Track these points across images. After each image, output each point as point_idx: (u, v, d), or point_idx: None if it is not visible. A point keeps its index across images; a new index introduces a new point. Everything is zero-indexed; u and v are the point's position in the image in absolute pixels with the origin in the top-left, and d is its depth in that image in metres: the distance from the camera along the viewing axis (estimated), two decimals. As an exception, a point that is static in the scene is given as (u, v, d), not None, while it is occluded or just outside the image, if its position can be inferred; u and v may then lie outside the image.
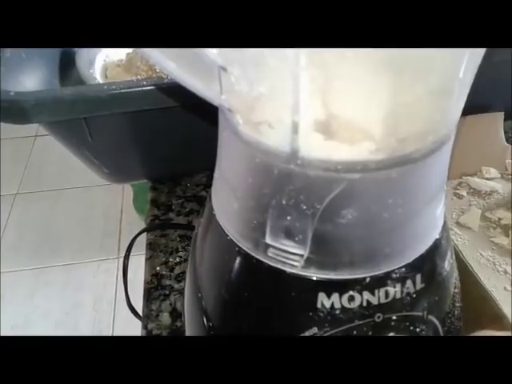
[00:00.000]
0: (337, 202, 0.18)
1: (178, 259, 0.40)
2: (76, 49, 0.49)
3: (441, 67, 0.16)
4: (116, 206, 1.45)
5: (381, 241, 0.19)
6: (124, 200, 1.45)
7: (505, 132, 0.46)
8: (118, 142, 0.41)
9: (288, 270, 0.20)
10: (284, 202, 0.19)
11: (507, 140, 0.46)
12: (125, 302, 0.43)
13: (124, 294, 0.45)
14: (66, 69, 0.48)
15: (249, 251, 0.21)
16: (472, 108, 0.44)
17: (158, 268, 0.39)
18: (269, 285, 0.21)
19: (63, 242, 1.36)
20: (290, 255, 0.20)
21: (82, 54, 0.49)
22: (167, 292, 0.37)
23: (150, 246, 0.41)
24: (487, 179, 0.44)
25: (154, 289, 0.38)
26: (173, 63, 0.17)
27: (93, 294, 1.24)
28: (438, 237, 0.21)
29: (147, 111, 0.36)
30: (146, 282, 0.38)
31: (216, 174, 0.23)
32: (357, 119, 0.16)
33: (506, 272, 0.37)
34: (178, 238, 0.42)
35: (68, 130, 0.37)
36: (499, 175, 0.45)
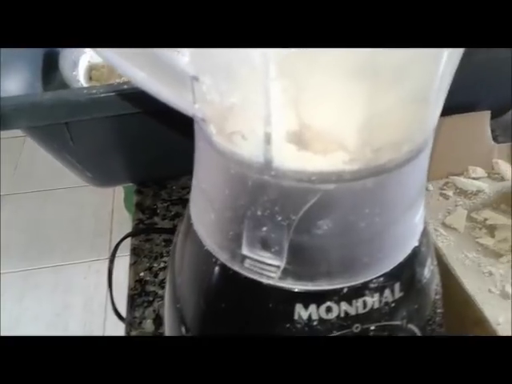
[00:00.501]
0: (312, 212, 0.18)
1: (162, 264, 0.39)
2: (60, 50, 0.48)
3: (414, 76, 0.15)
4: (107, 206, 1.44)
5: (358, 251, 0.19)
6: (115, 200, 1.44)
7: (492, 131, 0.46)
8: (100, 146, 0.40)
9: (265, 281, 0.20)
10: (259, 213, 0.18)
11: (494, 139, 0.46)
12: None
13: (110, 298, 0.44)
14: (50, 71, 0.48)
15: (226, 262, 0.20)
16: (458, 107, 0.45)
17: (141, 274, 0.39)
18: (246, 296, 0.21)
19: (53, 243, 1.35)
20: (266, 266, 0.19)
21: (66, 56, 0.48)
22: (151, 298, 0.37)
23: (134, 251, 0.41)
24: (474, 179, 0.44)
25: (138, 295, 0.37)
26: (142, 73, 0.17)
27: (83, 296, 1.23)
28: (417, 244, 0.21)
29: (129, 115, 0.35)
30: (130, 289, 0.38)
31: (193, 183, 0.22)
32: (330, 130, 0.16)
33: (490, 274, 0.37)
34: (163, 243, 0.41)
35: (49, 134, 0.37)
36: (486, 174, 0.45)
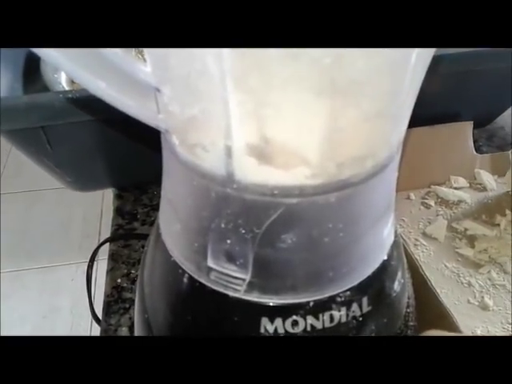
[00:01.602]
0: (276, 226, 0.17)
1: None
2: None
3: (374, 92, 0.15)
4: (95, 208, 1.43)
5: (323, 265, 0.19)
6: (104, 202, 1.43)
7: (474, 141, 0.46)
8: (79, 151, 0.39)
9: (231, 294, 0.19)
10: (223, 226, 0.18)
11: (477, 149, 0.46)
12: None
13: (88, 303, 0.44)
14: (31, 73, 0.47)
15: (192, 274, 0.20)
16: (441, 117, 0.45)
17: (119, 280, 0.38)
18: (212, 309, 0.20)
19: (41, 244, 1.34)
20: (232, 279, 0.19)
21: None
22: (127, 305, 0.36)
23: (112, 257, 0.40)
24: (456, 188, 0.44)
25: (114, 302, 0.37)
26: (103, 82, 0.17)
27: (70, 298, 1.22)
28: (386, 258, 0.21)
29: (107, 119, 0.35)
30: (106, 295, 0.37)
31: (162, 193, 0.22)
32: (290, 145, 0.15)
33: (469, 284, 0.37)
34: (142, 249, 0.41)
35: (25, 138, 0.36)
36: (468, 184, 0.45)
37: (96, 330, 1.15)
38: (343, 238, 0.18)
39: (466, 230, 0.41)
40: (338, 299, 0.19)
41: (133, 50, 0.38)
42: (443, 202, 0.43)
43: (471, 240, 0.40)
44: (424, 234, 0.40)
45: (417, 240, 0.40)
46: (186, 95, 0.16)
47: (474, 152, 0.45)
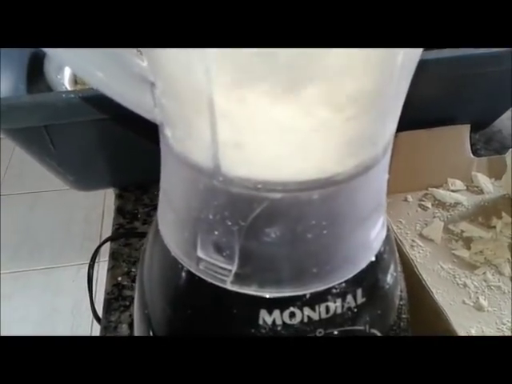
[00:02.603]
0: (260, 220, 0.18)
1: (140, 269, 0.39)
2: (45, 53, 0.49)
3: (352, 92, 0.15)
4: (97, 209, 1.43)
5: (307, 260, 0.19)
6: (105, 203, 1.44)
7: (472, 144, 0.46)
8: (81, 150, 0.40)
9: (229, 287, 0.20)
10: (211, 217, 0.19)
11: (474, 152, 0.46)
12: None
13: (89, 302, 0.44)
14: (35, 74, 0.48)
15: (184, 264, 0.21)
16: (439, 120, 0.45)
17: (119, 278, 0.39)
18: (208, 301, 0.21)
19: (43, 245, 1.34)
20: (219, 269, 0.20)
21: (51, 59, 0.48)
22: (127, 303, 0.37)
23: (113, 256, 0.41)
24: (453, 191, 0.45)
25: (115, 299, 0.37)
26: (101, 73, 0.17)
27: (72, 299, 1.23)
28: (379, 251, 0.21)
29: (109, 119, 0.36)
30: (107, 293, 0.38)
31: (160, 184, 0.23)
32: (270, 143, 0.16)
33: (465, 285, 0.37)
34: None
35: (28, 137, 0.37)
36: (465, 187, 0.45)
37: (96, 331, 1.15)
38: (327, 235, 0.18)
39: (462, 231, 0.41)
40: (334, 291, 0.20)
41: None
42: (440, 204, 0.44)
43: (467, 242, 0.40)
44: (421, 236, 0.41)
45: (413, 241, 0.40)
46: (174, 89, 0.16)
47: (472, 155, 0.46)
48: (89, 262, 0.42)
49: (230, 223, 0.18)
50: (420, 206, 0.44)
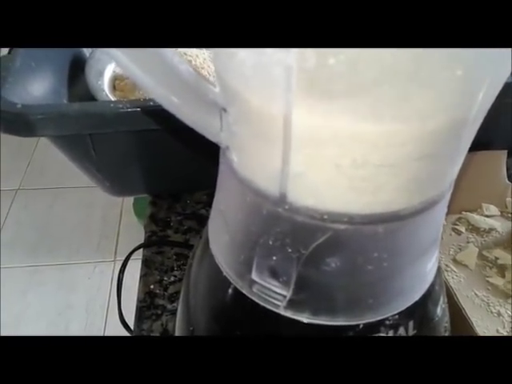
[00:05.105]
0: (322, 249, 0.18)
1: (172, 278, 0.40)
2: (86, 58, 0.49)
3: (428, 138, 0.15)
4: (116, 208, 1.44)
5: (364, 292, 0.19)
6: (124, 203, 1.45)
7: (507, 169, 0.46)
8: (121, 158, 0.41)
9: (273, 309, 0.20)
10: (271, 243, 0.19)
11: (509, 178, 0.46)
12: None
13: (117, 309, 0.45)
14: (75, 78, 0.49)
15: (235, 284, 0.21)
16: (475, 145, 0.45)
17: (151, 286, 0.39)
18: (258, 324, 0.21)
19: (60, 241, 1.35)
20: (273, 294, 0.20)
21: (92, 65, 0.49)
22: (159, 312, 0.37)
23: (146, 263, 0.41)
24: (487, 216, 0.44)
25: (147, 308, 0.37)
26: (175, 98, 0.17)
27: (86, 296, 1.24)
28: (431, 284, 0.21)
29: (151, 130, 0.36)
30: (139, 301, 0.38)
31: (213, 205, 0.23)
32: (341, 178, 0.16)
33: (499, 314, 0.37)
34: (175, 256, 0.42)
35: (72, 144, 0.38)
36: (499, 213, 0.45)
37: (109, 330, 1.16)
38: (387, 267, 0.19)
39: (496, 258, 0.41)
40: (387, 322, 0.20)
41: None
42: (474, 229, 0.44)
43: (501, 269, 0.40)
44: (454, 261, 0.41)
45: (447, 266, 0.40)
46: (248, 117, 0.17)
47: (507, 181, 0.45)
48: (120, 268, 0.42)
49: (290, 250, 0.18)
50: (454, 229, 0.43)
